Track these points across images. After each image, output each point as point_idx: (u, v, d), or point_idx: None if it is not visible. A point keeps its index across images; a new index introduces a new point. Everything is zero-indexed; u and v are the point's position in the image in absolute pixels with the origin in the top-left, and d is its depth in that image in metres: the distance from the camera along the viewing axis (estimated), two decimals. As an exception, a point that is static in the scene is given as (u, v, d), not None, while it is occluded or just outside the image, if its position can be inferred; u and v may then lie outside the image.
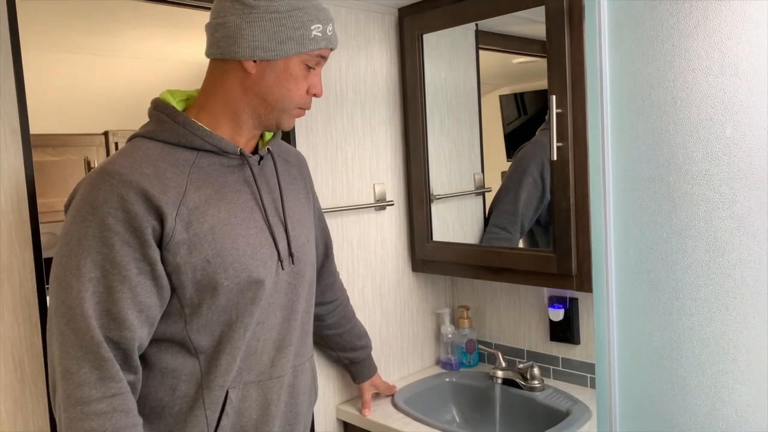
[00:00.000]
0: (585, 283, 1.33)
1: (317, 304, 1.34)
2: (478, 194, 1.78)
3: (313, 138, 1.46)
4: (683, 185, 0.68)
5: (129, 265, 0.88)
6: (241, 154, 1.00)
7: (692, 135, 0.66)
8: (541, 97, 1.58)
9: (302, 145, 1.42)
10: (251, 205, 1.01)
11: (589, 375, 1.53)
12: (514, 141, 1.66)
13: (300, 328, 1.07)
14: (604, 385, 0.87)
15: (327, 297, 1.36)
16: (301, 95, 1.00)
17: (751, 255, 0.62)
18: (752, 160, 0.60)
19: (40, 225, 1.09)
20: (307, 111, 1.05)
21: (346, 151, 1.54)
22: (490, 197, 1.72)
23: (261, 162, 1.05)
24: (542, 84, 1.58)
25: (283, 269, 1.03)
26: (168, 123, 0.96)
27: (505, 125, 1.73)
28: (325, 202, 1.47)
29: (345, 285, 1.46)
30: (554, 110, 1.31)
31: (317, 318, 1.36)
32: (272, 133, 1.10)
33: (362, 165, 1.58)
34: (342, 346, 1.43)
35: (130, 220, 0.88)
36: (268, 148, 1.06)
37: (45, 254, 1.08)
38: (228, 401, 0.96)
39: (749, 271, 0.62)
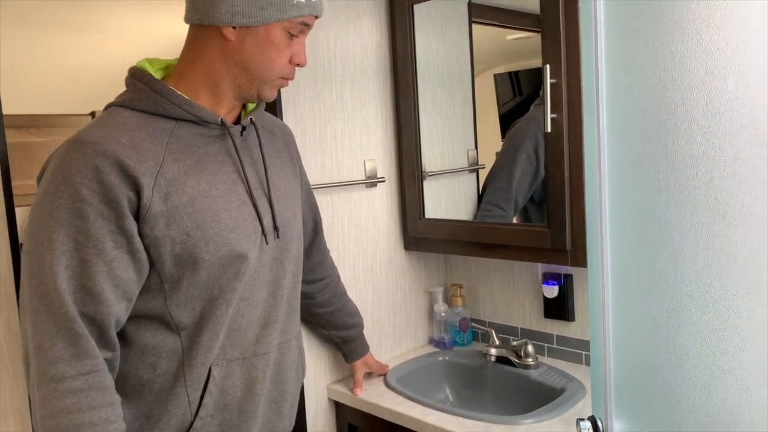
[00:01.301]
0: (579, 258, 1.30)
1: (307, 282, 1.31)
2: (471, 171, 1.75)
3: (300, 112, 1.42)
4: (682, 145, 0.65)
5: (104, 238, 0.84)
6: (222, 124, 0.96)
7: (692, 91, 0.63)
8: (537, 76, 1.54)
9: (289, 119, 1.38)
10: (233, 177, 0.97)
11: (584, 352, 1.51)
12: (509, 122, 1.62)
13: (286, 305, 1.04)
14: (599, 358, 0.84)
15: (317, 275, 1.33)
16: (283, 64, 0.96)
17: (753, 216, 0.58)
18: (756, 114, 0.56)
19: (25, 207, 1.05)
20: (292, 83, 1.01)
21: (335, 127, 1.49)
22: (483, 174, 1.69)
23: (243, 133, 1.01)
24: (538, 62, 1.54)
25: (267, 244, 1.00)
26: (145, 91, 0.92)
27: (500, 105, 1.69)
28: (314, 178, 1.43)
29: (336, 263, 1.43)
30: (548, 80, 1.27)
31: (308, 296, 1.33)
32: (255, 104, 1.06)
33: (352, 141, 1.54)
34: (333, 324, 1.40)
35: (105, 191, 0.84)
36: (251, 119, 1.02)
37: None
38: (211, 379, 0.93)
39: (751, 233, 0.59)
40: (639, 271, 0.73)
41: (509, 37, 1.68)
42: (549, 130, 1.28)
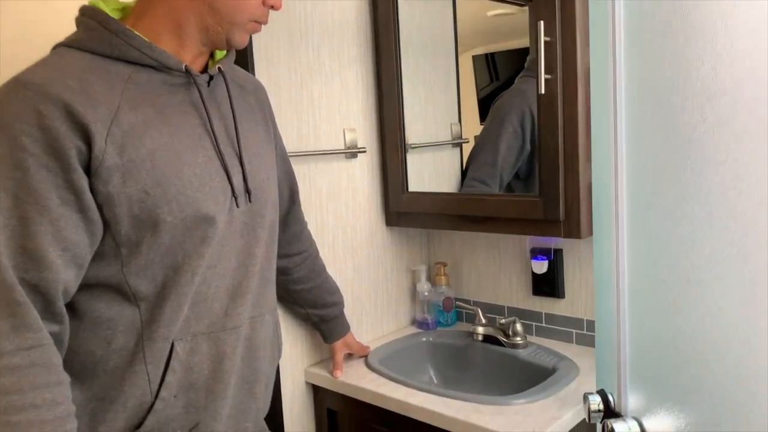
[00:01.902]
0: (573, 229, 1.23)
1: (283, 256, 1.22)
2: (455, 146, 1.67)
3: (274, 71, 1.31)
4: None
5: (48, 194, 0.73)
6: (187, 71, 0.86)
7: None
8: (515, 58, 1.49)
9: (262, 77, 1.27)
10: (199, 131, 0.87)
11: (574, 331, 1.44)
12: (487, 107, 1.55)
13: (259, 276, 0.95)
14: (609, 328, 0.76)
15: (294, 248, 1.23)
16: (255, 5, 0.86)
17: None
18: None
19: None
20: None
21: (312, 90, 1.39)
22: (467, 149, 1.61)
23: (211, 83, 0.91)
24: (517, 43, 1.48)
25: (238, 207, 0.90)
26: (98, 31, 0.81)
27: (478, 90, 1.62)
28: (290, 145, 1.33)
29: (314, 238, 1.33)
30: (542, 38, 1.19)
31: (284, 272, 1.23)
32: (224, 53, 0.95)
33: (331, 107, 1.44)
34: (311, 302, 1.30)
35: (49, 140, 0.73)
36: (219, 68, 0.92)
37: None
38: (174, 355, 0.82)
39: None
40: (659, 233, 0.66)
41: (490, 13, 1.60)
42: (543, 92, 1.20)
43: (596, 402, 0.75)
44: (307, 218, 1.31)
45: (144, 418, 0.81)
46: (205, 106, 0.88)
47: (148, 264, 0.81)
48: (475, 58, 1.61)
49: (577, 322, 1.43)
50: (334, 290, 1.34)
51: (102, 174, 0.76)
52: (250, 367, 0.93)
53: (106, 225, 0.79)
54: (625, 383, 0.71)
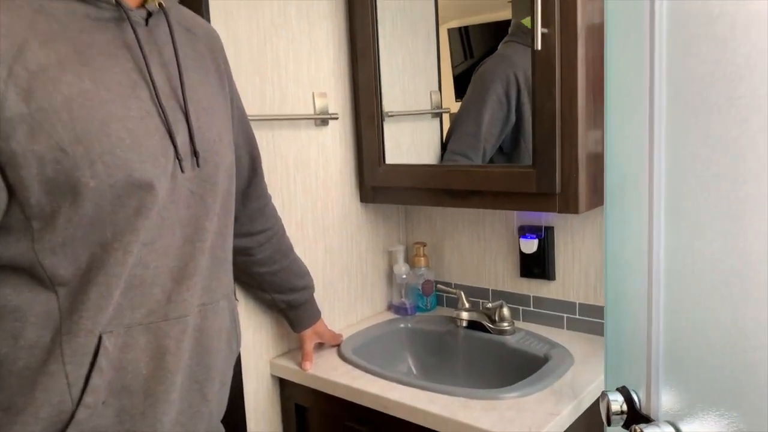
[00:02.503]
0: (570, 203, 1.10)
1: (245, 235, 1.07)
2: (434, 116, 1.53)
3: (233, 25, 1.14)
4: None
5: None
6: (118, 3, 0.69)
7: None
8: (490, 34, 1.38)
9: (219, 29, 1.10)
10: (133, 77, 0.71)
11: (565, 315, 1.33)
12: (463, 85, 1.42)
13: (210, 255, 0.79)
14: (632, 316, 0.63)
15: (257, 225, 1.08)
16: None
17: None
18: None
19: None
20: None
21: (277, 47, 1.23)
22: (447, 120, 1.48)
23: (150, 22, 0.74)
24: (493, 16, 1.38)
25: (183, 172, 0.74)
26: None
27: (453, 66, 1.49)
28: (250, 108, 1.17)
29: (280, 215, 1.18)
30: (539, -14, 1.05)
31: (245, 252, 1.08)
32: (167, -13, 0.79)
33: (298, 67, 1.28)
34: (277, 286, 1.15)
35: None
36: (160, 3, 0.75)
37: None
38: (102, 351, 0.67)
39: None
40: (706, 204, 0.53)
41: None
42: (539, 48, 1.07)
43: (618, 402, 0.63)
44: (271, 192, 1.15)
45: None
46: (141, 48, 0.71)
47: (67, 240, 0.65)
48: (450, 31, 1.48)
49: (568, 306, 1.32)
50: (303, 273, 1.19)
51: (3, 127, 0.60)
52: (201, 364, 0.78)
53: (11, 192, 0.63)
54: (657, 380, 0.59)
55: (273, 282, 1.14)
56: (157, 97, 0.72)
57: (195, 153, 0.76)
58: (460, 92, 1.46)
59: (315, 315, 1.22)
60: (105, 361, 0.67)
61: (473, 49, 1.46)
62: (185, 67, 0.78)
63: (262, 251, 1.10)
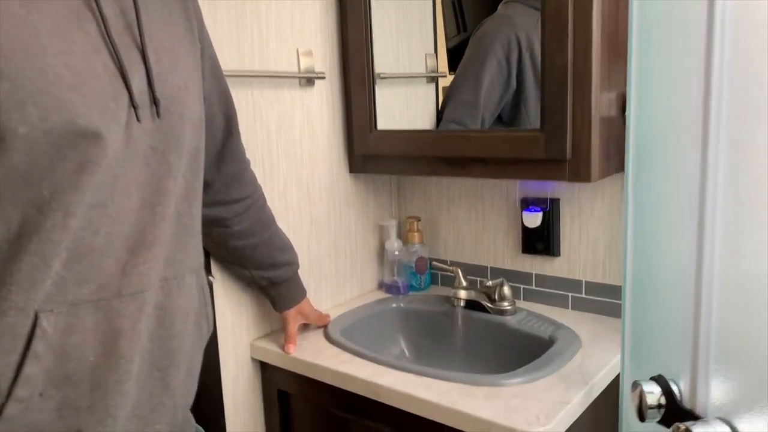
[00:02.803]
0: (582, 170, 1.00)
1: (220, 203, 0.95)
2: (430, 80, 1.41)
3: (207, -33, 1.02)
4: None
5: None
6: None
7: None
8: (484, 3, 1.27)
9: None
10: (76, 5, 0.58)
11: (570, 294, 1.23)
12: (457, 60, 1.32)
13: (175, 221, 0.68)
14: (669, 292, 0.53)
15: (233, 193, 0.97)
16: None
17: None
18: None
19: None
20: None
21: (258, -5, 1.10)
22: (444, 86, 1.37)
23: (99, -60, 0.62)
24: None
25: (139, 122, 0.63)
26: None
27: (447, 39, 1.37)
28: (227, 63, 1.05)
29: (261, 184, 1.07)
30: (552, -76, 0.93)
31: (221, 223, 0.97)
32: None
33: (281, 21, 1.15)
34: (257, 261, 1.04)
35: None
36: None
37: None
38: (38, 333, 0.56)
39: None
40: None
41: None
42: (551, -5, 0.95)
43: (655, 394, 0.53)
44: (251, 158, 1.04)
45: None
46: None
47: (-9, 198, 0.54)
48: (444, 2, 1.37)
49: (574, 284, 1.22)
50: (286, 247, 1.08)
51: None
52: (164, 348, 0.67)
53: None
54: (706, 370, 0.49)
55: (252, 257, 1.03)
56: (106, 31, 0.60)
57: (155, 101, 0.65)
58: (453, 66, 1.35)
59: (299, 293, 1.11)
60: (42, 346, 0.56)
61: (467, 23, 1.35)
62: (143, 2, 0.66)
63: (239, 222, 0.99)
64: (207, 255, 1.06)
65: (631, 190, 0.73)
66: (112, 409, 0.61)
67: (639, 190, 0.69)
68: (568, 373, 0.95)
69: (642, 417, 0.53)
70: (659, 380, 0.54)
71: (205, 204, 0.95)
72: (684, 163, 0.54)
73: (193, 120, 0.72)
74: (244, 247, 1.02)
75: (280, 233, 1.07)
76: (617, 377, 1.02)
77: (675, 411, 0.52)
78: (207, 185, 0.94)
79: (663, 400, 0.53)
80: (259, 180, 1.08)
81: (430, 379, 0.95)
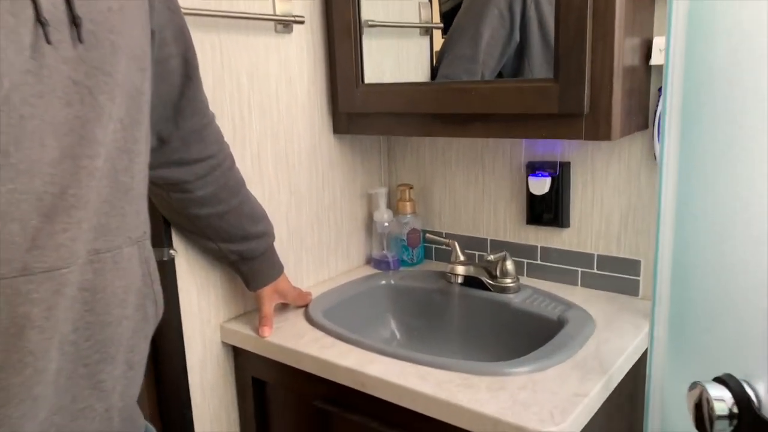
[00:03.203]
0: (602, 127, 0.86)
1: (178, 163, 0.81)
2: (424, 32, 1.26)
3: None
4: None
5: None
6: None
7: None
8: None
9: None
10: None
11: (580, 269, 1.10)
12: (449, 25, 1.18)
13: (109, 180, 0.54)
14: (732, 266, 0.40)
15: (194, 151, 0.82)
16: None
17: None
18: None
19: None
20: None
21: None
22: (439, 39, 1.22)
23: None
24: None
25: (49, 44, 0.48)
26: None
27: (441, 3, 1.22)
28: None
29: (230, 147, 0.93)
30: None
31: (181, 187, 0.83)
32: None
33: (253, -46, 0.99)
34: (225, 233, 0.91)
35: None
36: None
37: None
38: None
39: None
40: None
41: None
42: None
43: (726, 401, 0.40)
44: (218, 114, 0.89)
45: None
46: None
47: None
48: None
49: (584, 259, 1.10)
50: (259, 216, 0.94)
51: None
52: (92, 339, 0.53)
53: None
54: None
55: (220, 227, 0.89)
56: None
57: (74, 20, 0.50)
58: (446, 31, 1.21)
59: (275, 269, 0.98)
60: None
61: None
62: None
63: (202, 186, 0.84)
64: (168, 225, 0.92)
65: (671, 152, 0.60)
66: (17, 421, 0.47)
67: (688, 153, 0.57)
68: (582, 361, 0.83)
69: (710, 427, 0.41)
70: (729, 382, 0.41)
71: (162, 164, 0.81)
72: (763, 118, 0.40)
73: (132, 53, 0.57)
74: (208, 216, 0.88)
75: (252, 200, 0.93)
76: (636, 364, 0.90)
77: (753, 423, 0.39)
78: (163, 142, 0.79)
79: (735, 409, 0.40)
80: (228, 139, 0.94)
81: (424, 367, 0.83)
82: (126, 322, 0.56)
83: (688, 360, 0.51)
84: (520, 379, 0.79)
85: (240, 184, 0.90)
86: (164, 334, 0.96)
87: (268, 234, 0.95)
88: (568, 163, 1.08)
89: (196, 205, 0.86)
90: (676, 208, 0.63)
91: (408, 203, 1.26)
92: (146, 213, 0.63)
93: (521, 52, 1.12)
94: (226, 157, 0.87)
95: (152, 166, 0.81)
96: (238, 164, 0.96)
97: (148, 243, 0.62)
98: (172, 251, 0.93)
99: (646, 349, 0.92)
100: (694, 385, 0.43)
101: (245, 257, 0.94)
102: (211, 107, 0.90)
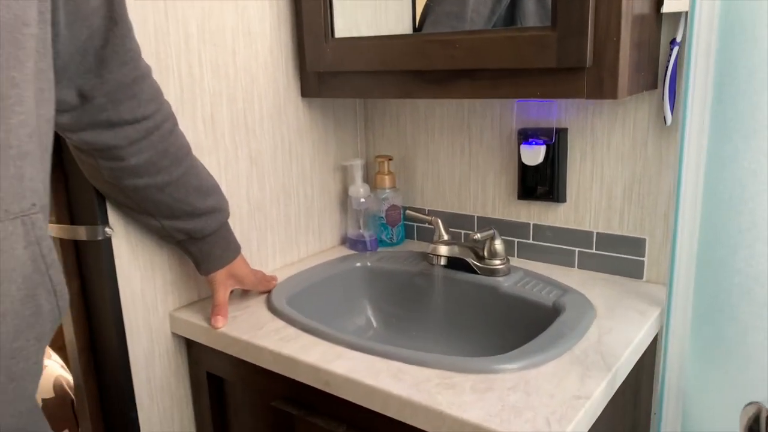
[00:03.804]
0: (606, 82, 0.74)
1: (105, 125, 0.68)
2: (405, -13, 1.12)
3: None
4: None
5: None
6: None
7: None
8: None
9: None
10: None
11: (577, 249, 0.99)
12: None
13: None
14: None
15: (123, 111, 0.69)
16: None
17: None
18: None
19: None
20: None
21: None
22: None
23: None
24: None
25: None
26: None
27: None
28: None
29: (177, 108, 0.80)
30: None
31: (110, 153, 0.70)
32: None
33: None
34: (168, 208, 0.78)
35: None
36: None
37: None
38: None
39: None
40: None
41: None
42: None
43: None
44: (163, 71, 0.76)
45: None
46: None
47: None
48: None
49: (582, 237, 0.98)
50: (209, 189, 0.81)
51: None
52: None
53: None
54: None
55: (161, 202, 0.76)
56: None
57: None
58: None
59: (230, 250, 0.85)
60: None
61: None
62: None
63: (137, 153, 0.71)
64: (103, 200, 0.79)
65: (694, 115, 0.48)
66: None
67: (717, 118, 0.45)
68: (582, 355, 0.72)
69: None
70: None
71: (87, 126, 0.68)
72: None
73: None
74: (146, 188, 0.74)
75: (200, 170, 0.80)
76: (641, 359, 0.79)
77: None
78: (86, 98, 0.66)
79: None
80: (173, 99, 0.81)
81: (399, 363, 0.71)
82: (5, 320, 0.44)
83: (713, 355, 0.40)
84: (510, 378, 0.67)
85: (184, 151, 0.77)
86: (102, 325, 0.83)
87: (220, 209, 0.82)
88: (565, 129, 0.96)
89: (130, 176, 0.73)
90: (701, 188, 0.52)
91: (387, 176, 1.13)
92: (42, 181, 0.50)
93: (513, 10, 0.99)
94: (165, 119, 0.74)
95: (74, 128, 0.68)
96: (186, 128, 0.83)
97: (40, 218, 0.49)
98: (108, 229, 0.80)
99: (653, 339, 0.81)
100: (750, 404, 0.32)
101: (194, 236, 0.81)
102: (152, 61, 0.76)
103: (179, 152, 0.76)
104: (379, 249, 1.13)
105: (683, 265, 0.57)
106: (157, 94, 0.73)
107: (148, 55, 0.78)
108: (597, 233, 0.97)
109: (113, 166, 0.71)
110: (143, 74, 0.71)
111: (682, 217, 0.56)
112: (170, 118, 0.75)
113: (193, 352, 0.91)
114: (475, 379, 0.67)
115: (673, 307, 0.58)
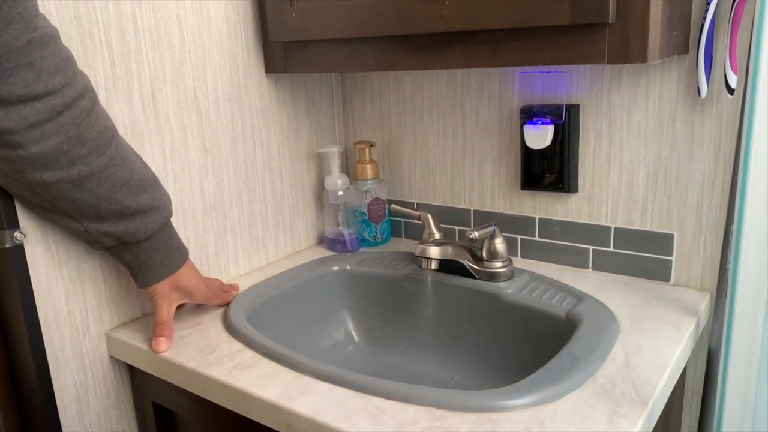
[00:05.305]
0: (633, 42, 0.59)
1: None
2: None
3: None
4: None
5: None
6: None
7: None
8: None
9: None
10: None
11: (591, 248, 0.84)
12: None
13: None
14: None
15: (17, 84, 0.54)
16: None
17: None
18: None
19: None
20: None
21: None
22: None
23: None
24: None
25: None
26: None
27: None
28: None
29: (106, 85, 0.65)
30: None
31: (1, 139, 0.55)
32: None
33: None
34: (90, 208, 0.62)
35: None
36: None
37: None
38: None
39: None
40: None
41: None
42: None
43: None
44: (91, 43, 0.60)
45: None
46: None
47: None
48: None
49: (598, 233, 0.83)
50: (143, 183, 0.66)
51: None
52: None
53: None
54: None
55: (79, 200, 0.61)
56: None
57: None
58: None
59: (174, 257, 0.70)
60: None
61: None
62: None
63: (39, 139, 0.56)
64: (10, 198, 0.64)
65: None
66: None
67: None
68: (608, 383, 0.57)
69: None
70: None
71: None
72: None
73: None
74: (58, 183, 0.59)
75: (131, 160, 0.65)
76: (678, 384, 0.65)
77: None
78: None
79: None
80: (104, 75, 0.66)
81: (378, 399, 0.56)
82: None
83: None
84: (518, 418, 0.53)
85: (107, 135, 0.62)
86: (19, 351, 0.68)
87: (157, 208, 0.67)
88: (577, 105, 0.81)
89: (34, 168, 0.57)
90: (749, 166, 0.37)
91: (368, 166, 0.98)
92: None
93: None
94: (79, 95, 0.58)
95: (-46, 107, 0.53)
96: (119, 108, 0.68)
97: None
98: (18, 234, 0.64)
99: (689, 357, 0.66)
100: None
101: (126, 241, 0.66)
102: (72, 27, 0.61)
103: (100, 138, 0.61)
104: (361, 249, 0.98)
105: (751, 266, 0.42)
106: (65, 63, 0.57)
107: (65, 20, 0.62)
108: (615, 228, 0.82)
109: (10, 155, 0.56)
110: (42, 37, 0.55)
111: (749, 204, 0.41)
112: (86, 95, 0.59)
113: (137, 379, 0.76)
114: (474, 420, 0.53)
115: (737, 319, 0.43)
